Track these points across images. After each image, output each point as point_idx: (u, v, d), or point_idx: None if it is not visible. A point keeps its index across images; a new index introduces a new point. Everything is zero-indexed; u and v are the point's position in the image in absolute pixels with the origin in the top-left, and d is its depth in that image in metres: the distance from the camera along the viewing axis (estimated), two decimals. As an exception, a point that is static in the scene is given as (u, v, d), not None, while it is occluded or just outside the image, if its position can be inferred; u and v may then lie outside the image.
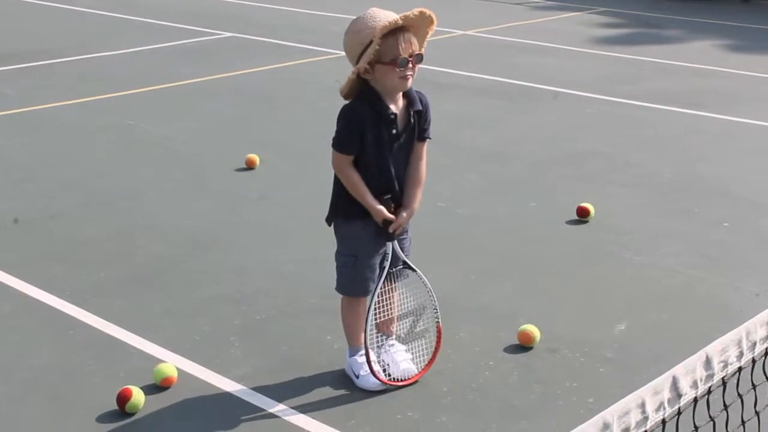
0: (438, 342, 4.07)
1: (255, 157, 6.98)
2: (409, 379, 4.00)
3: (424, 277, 4.00)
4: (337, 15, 13.96)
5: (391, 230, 3.83)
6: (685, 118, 8.87)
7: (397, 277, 3.99)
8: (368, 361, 3.88)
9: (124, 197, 6.39)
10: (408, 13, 3.62)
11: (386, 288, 3.94)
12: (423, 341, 4.12)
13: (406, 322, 4.12)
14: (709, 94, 9.83)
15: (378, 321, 3.97)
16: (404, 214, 3.84)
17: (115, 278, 5.08)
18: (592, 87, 9.99)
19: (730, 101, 9.53)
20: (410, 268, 3.99)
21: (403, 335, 4.13)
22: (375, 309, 3.89)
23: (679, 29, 14.39)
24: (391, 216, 3.81)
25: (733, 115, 8.91)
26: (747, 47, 12.95)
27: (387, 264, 3.88)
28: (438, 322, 4.06)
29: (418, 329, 4.13)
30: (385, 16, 3.64)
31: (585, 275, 5.27)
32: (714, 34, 13.94)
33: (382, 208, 3.79)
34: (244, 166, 6.95)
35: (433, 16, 3.69)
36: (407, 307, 4.10)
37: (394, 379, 3.98)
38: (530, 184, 6.85)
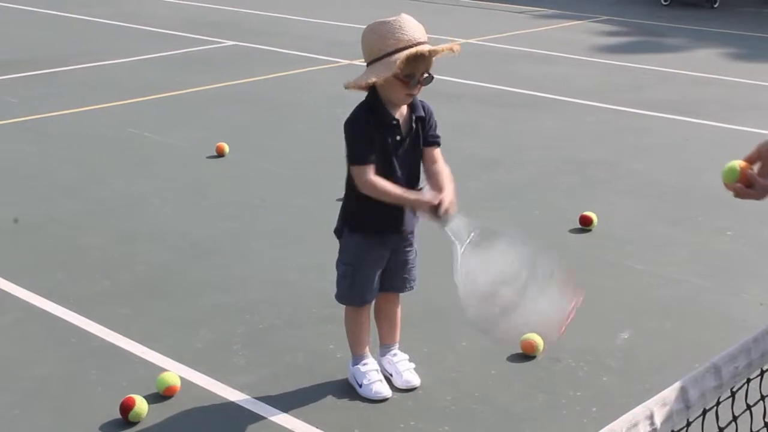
0: (569, 289, 3.43)
1: (224, 145, 7.42)
2: (410, 386, 3.97)
3: (509, 233, 3.52)
4: (338, 23, 13.99)
5: (443, 212, 3.54)
6: (687, 126, 8.87)
7: (472, 249, 3.55)
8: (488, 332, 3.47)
9: (127, 204, 6.39)
10: (438, 48, 3.57)
11: (467, 268, 3.50)
12: (550, 291, 3.44)
13: (516, 282, 3.49)
14: (711, 103, 9.83)
15: (477, 292, 3.47)
16: (445, 192, 3.58)
17: (117, 286, 5.07)
18: (594, 95, 10.00)
19: (732, 109, 9.53)
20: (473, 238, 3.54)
21: (518, 295, 3.45)
22: (465, 283, 3.47)
23: (681, 38, 14.40)
24: (437, 197, 3.56)
25: (735, 123, 8.91)
26: (749, 56, 12.96)
27: (458, 244, 3.52)
28: (557, 270, 3.48)
29: (539, 281, 3.46)
30: (414, 34, 3.57)
31: (588, 284, 5.22)
32: (716, 42, 13.96)
33: (423, 196, 3.62)
34: (245, 174, 6.95)
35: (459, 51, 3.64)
36: (505, 272, 3.50)
37: (395, 389, 3.97)
38: (532, 192, 6.85)
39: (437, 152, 3.85)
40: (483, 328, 3.48)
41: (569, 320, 3.39)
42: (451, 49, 3.61)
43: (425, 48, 3.55)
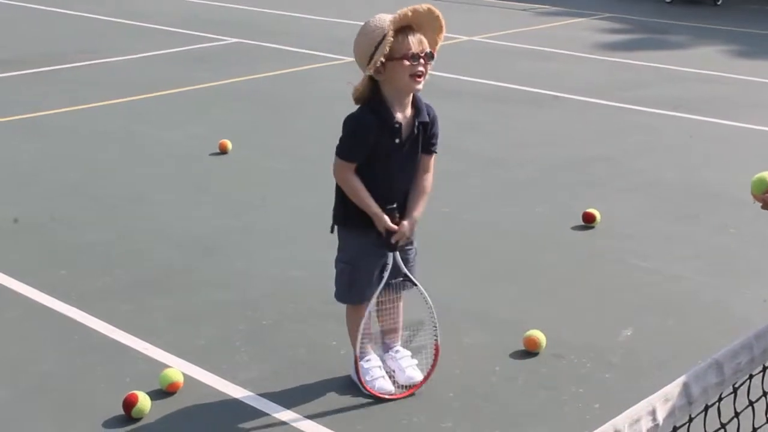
0: (434, 361, 4.00)
1: (227, 143, 7.41)
2: (411, 388, 3.99)
3: (425, 292, 3.94)
4: (340, 21, 13.97)
5: (393, 241, 3.80)
6: (691, 123, 8.86)
7: (396, 289, 3.95)
8: (357, 371, 3.89)
9: (129, 201, 6.39)
10: (417, 6, 3.63)
11: (383, 299, 3.91)
12: (419, 357, 4.08)
13: (402, 336, 4.11)
14: (715, 100, 9.82)
15: (371, 332, 3.94)
16: (406, 224, 3.81)
17: (120, 283, 5.08)
18: (596, 92, 9.99)
19: (736, 107, 9.52)
20: (411, 281, 3.94)
21: (398, 349, 4.11)
22: (369, 319, 3.87)
23: (684, 35, 14.38)
24: (394, 226, 3.78)
25: (738, 120, 8.90)
26: (752, 53, 12.94)
27: (386, 275, 3.84)
28: (436, 340, 3.99)
29: (414, 345, 4.10)
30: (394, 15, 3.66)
31: (591, 281, 5.26)
32: (719, 39, 13.93)
33: (385, 217, 3.76)
34: (248, 171, 6.95)
35: (442, 20, 3.70)
36: (405, 320, 4.07)
37: (401, 386, 3.98)
38: (535, 189, 6.84)
39: (431, 161, 3.92)
40: (357, 363, 3.93)
41: (405, 393, 3.95)
42: (430, 8, 3.66)
43: (405, 9, 3.60)
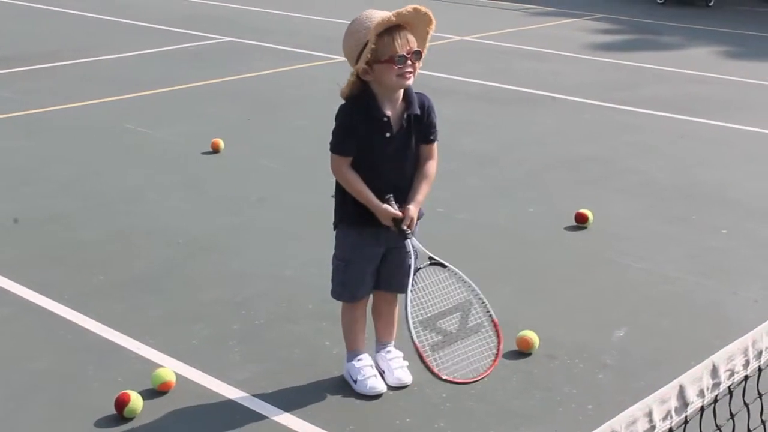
0: (498, 337, 3.67)
1: (219, 141, 7.41)
2: (401, 384, 3.95)
3: (459, 271, 3.73)
4: (332, 20, 13.96)
5: (404, 227, 3.70)
6: (682, 124, 8.88)
7: (428, 274, 3.72)
8: (421, 358, 3.55)
9: (123, 200, 6.38)
10: (401, 9, 3.59)
11: (418, 286, 3.67)
12: (479, 336, 3.68)
13: (452, 319, 3.73)
14: (707, 101, 9.84)
15: (420, 319, 3.63)
16: (411, 207, 3.72)
17: (113, 282, 5.07)
18: (589, 93, 10.00)
19: (727, 108, 9.54)
20: (440, 264, 3.74)
21: (454, 332, 3.71)
22: (412, 309, 3.60)
23: (677, 36, 14.42)
24: (399, 213, 3.69)
25: (730, 121, 8.92)
26: (745, 54, 12.98)
27: (412, 262, 3.67)
28: (491, 315, 3.69)
29: (471, 324, 3.74)
30: (380, 15, 3.63)
31: (584, 281, 5.27)
32: (712, 40, 13.97)
33: (388, 206, 3.69)
34: (241, 170, 6.94)
35: (430, 13, 3.67)
36: (448, 303, 3.74)
37: (388, 386, 3.96)
38: (529, 189, 6.85)
39: (433, 149, 3.88)
40: (421, 352, 3.55)
41: (483, 375, 3.59)
42: (416, 9, 3.61)
43: (389, 14, 3.57)
